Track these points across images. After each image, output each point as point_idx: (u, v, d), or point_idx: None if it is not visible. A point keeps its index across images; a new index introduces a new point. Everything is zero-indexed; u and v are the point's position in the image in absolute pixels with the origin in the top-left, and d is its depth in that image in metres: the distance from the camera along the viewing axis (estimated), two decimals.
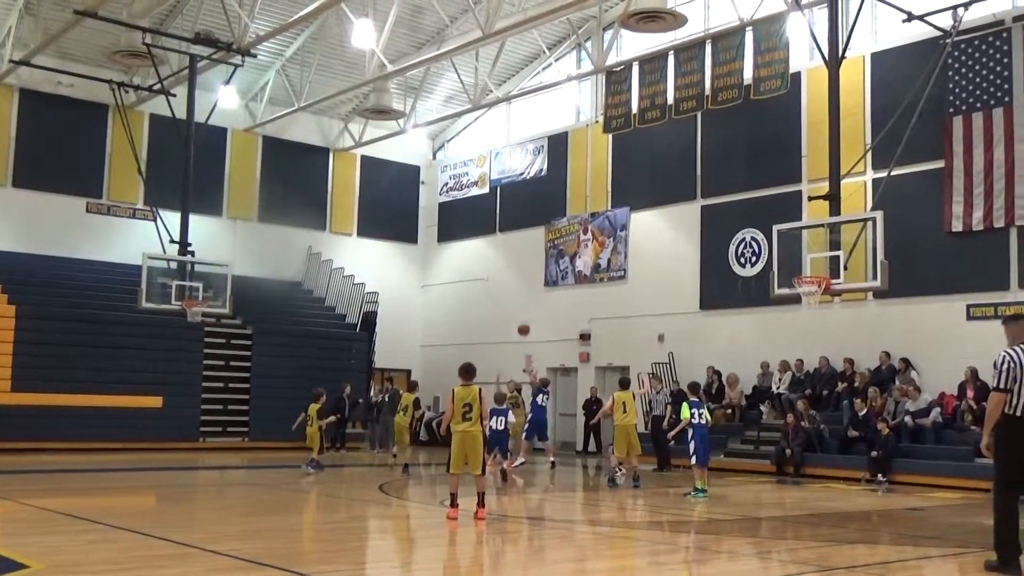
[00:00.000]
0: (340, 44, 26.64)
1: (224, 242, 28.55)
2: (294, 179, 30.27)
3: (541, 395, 19.95)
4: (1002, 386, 8.09)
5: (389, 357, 29.95)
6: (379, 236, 32.12)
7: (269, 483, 16.68)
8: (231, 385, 25.92)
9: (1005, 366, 8.11)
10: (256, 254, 29.24)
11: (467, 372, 11.34)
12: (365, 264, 30.66)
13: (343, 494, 15.16)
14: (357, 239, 31.74)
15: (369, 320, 28.90)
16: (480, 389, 11.13)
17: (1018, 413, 8.03)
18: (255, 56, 25.32)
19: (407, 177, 32.79)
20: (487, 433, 12.51)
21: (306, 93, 28.07)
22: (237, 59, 24.71)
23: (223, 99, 26.67)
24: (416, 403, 19.86)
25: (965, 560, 9.25)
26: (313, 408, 18.32)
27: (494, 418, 14.62)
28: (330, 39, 27.05)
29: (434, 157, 33.42)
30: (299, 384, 25.40)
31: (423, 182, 33.16)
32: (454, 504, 11.08)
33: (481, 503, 11.07)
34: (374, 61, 24.92)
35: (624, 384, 16.95)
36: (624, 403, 16.32)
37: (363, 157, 31.87)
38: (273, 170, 30.09)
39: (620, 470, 16.59)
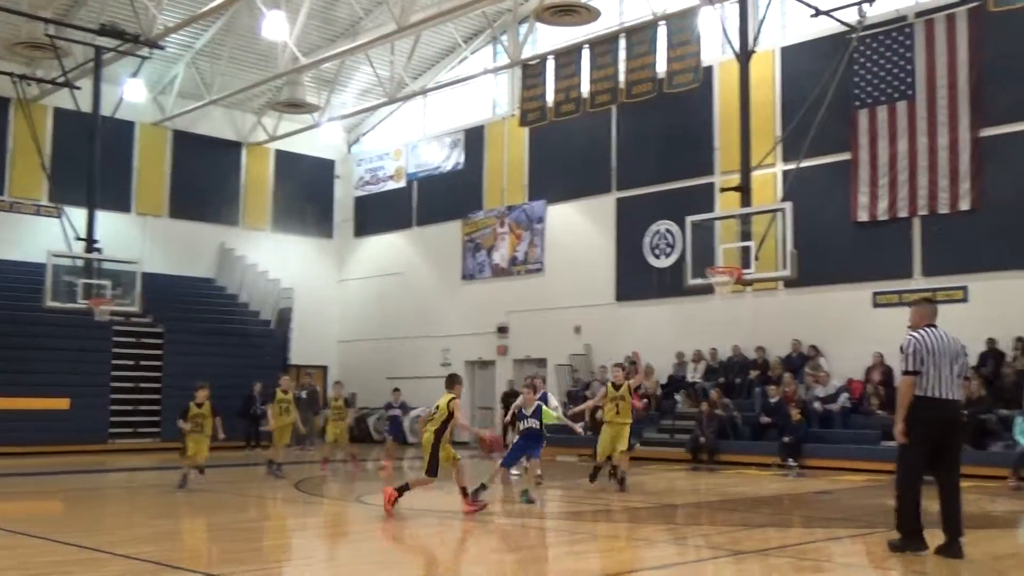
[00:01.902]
0: (252, 36, 26.18)
1: (133, 239, 27.95)
2: (206, 174, 29.74)
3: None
4: (911, 369, 8.13)
5: (305, 353, 29.60)
6: (294, 231, 31.73)
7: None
8: (142, 385, 25.33)
9: (911, 348, 8.15)
10: (167, 250, 28.67)
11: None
12: (280, 260, 30.29)
13: (258, 493, 14.91)
14: (271, 234, 31.32)
15: (284, 316, 28.52)
16: (449, 400, 10.95)
17: (929, 394, 8.08)
18: (163, 48, 24.77)
19: (322, 171, 32.45)
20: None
21: (217, 86, 27.57)
22: (144, 51, 24.13)
23: (130, 92, 26.03)
24: (297, 400, 18.77)
25: (871, 539, 9.49)
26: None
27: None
28: (241, 31, 26.58)
29: (349, 151, 33.13)
30: (213, 383, 25.00)
31: (338, 176, 32.87)
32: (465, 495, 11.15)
33: (405, 488, 11.05)
34: (287, 54, 24.57)
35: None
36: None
37: (277, 151, 31.43)
38: (184, 165, 29.49)
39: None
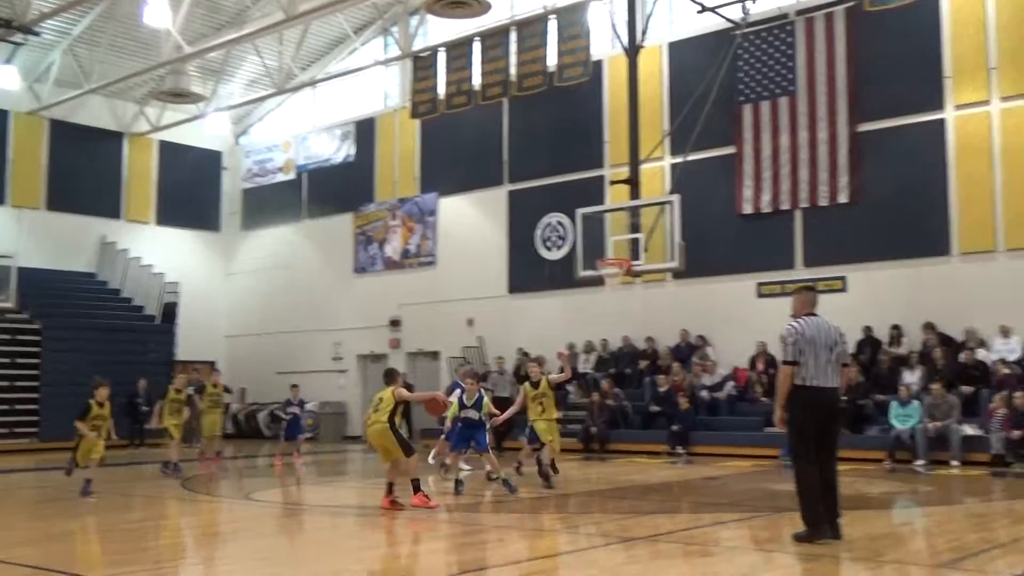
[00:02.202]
0: (133, 23, 25.33)
1: (8, 232, 26.83)
2: (85, 165, 28.69)
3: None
4: (791, 359, 8.19)
5: (192, 349, 28.89)
6: (179, 224, 30.91)
7: (63, 485, 15.76)
8: (18, 383, 24.35)
9: (792, 339, 8.21)
10: (44, 244, 27.62)
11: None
12: (165, 253, 29.50)
13: (143, 492, 14.51)
14: (156, 227, 30.44)
15: (170, 311, 27.82)
16: (394, 390, 11.01)
17: (808, 383, 8.16)
18: (38, 34, 23.80)
19: (208, 163, 31.69)
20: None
21: (97, 74, 26.58)
22: (18, 37, 23.15)
23: (2, 79, 24.97)
24: (188, 398, 17.65)
25: (755, 523, 9.78)
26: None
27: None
28: (122, 17, 25.68)
29: (237, 142, 32.45)
30: (96, 380, 24.16)
31: (225, 168, 32.15)
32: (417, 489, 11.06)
33: (389, 492, 11.00)
34: (170, 42, 23.88)
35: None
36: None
37: (161, 142, 30.54)
38: (62, 156, 28.39)
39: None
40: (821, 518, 8.11)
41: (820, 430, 8.25)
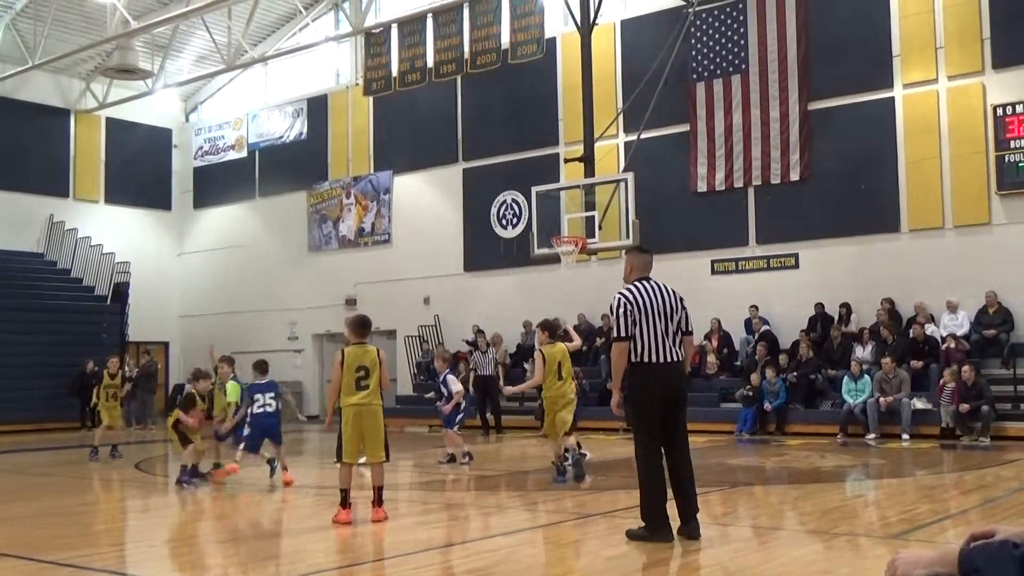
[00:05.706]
0: None
1: None
2: (31, 143, 28.14)
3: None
4: (624, 334, 7.12)
5: (145, 330, 28.57)
6: (129, 203, 30.45)
7: (10, 468, 15.55)
8: None
9: (622, 310, 7.14)
10: None
11: (362, 327, 8.70)
12: (115, 233, 29.07)
13: (96, 474, 14.34)
14: (104, 206, 29.97)
15: (121, 291, 27.44)
16: (379, 350, 8.63)
17: (645, 359, 7.14)
18: None
19: (158, 140, 31.22)
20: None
21: (41, 50, 26.02)
22: None
23: None
24: (132, 379, 16.85)
25: (711, 498, 9.89)
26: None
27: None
28: None
29: (187, 120, 31.98)
30: (42, 362, 23.87)
31: (176, 146, 31.71)
32: (345, 504, 8.54)
33: (379, 501, 8.63)
34: (116, 16, 23.45)
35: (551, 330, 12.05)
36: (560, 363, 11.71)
37: (108, 119, 30.03)
38: (7, 133, 27.78)
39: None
40: (663, 514, 7.14)
41: (664, 414, 7.21)
